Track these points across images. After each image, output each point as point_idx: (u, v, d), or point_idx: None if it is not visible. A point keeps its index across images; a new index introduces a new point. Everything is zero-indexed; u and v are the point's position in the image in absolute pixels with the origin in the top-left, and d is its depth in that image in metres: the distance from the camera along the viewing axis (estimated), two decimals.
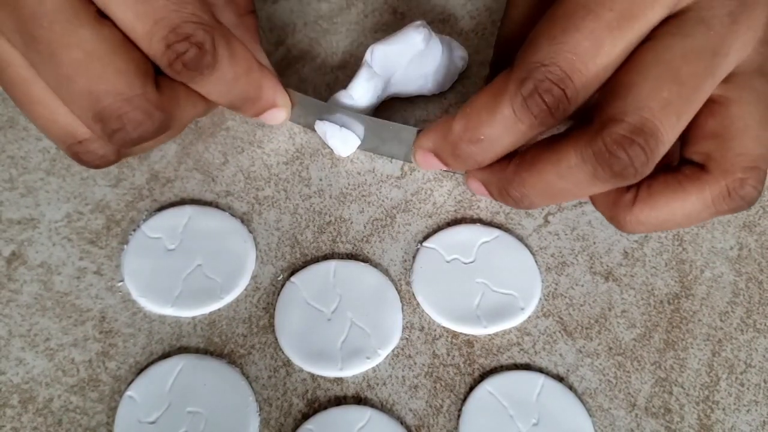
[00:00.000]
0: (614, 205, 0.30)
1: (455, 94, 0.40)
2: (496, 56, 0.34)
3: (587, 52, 0.26)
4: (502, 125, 0.28)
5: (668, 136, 0.26)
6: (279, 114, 0.33)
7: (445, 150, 0.31)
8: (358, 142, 0.37)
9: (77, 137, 0.28)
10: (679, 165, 0.29)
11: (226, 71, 0.28)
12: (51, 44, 0.25)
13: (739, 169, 0.28)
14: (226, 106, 0.31)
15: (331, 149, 0.37)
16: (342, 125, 0.36)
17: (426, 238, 0.35)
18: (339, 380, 0.32)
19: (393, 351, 0.33)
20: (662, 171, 0.29)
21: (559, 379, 0.32)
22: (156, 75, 0.27)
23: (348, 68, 0.40)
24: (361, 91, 0.36)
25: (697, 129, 0.28)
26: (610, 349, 0.33)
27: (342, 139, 0.36)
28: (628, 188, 0.29)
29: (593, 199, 0.31)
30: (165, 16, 0.26)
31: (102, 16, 0.26)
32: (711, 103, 0.28)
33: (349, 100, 0.36)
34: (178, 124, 0.30)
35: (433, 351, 0.33)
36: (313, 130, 0.37)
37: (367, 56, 0.36)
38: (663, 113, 0.26)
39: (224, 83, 0.28)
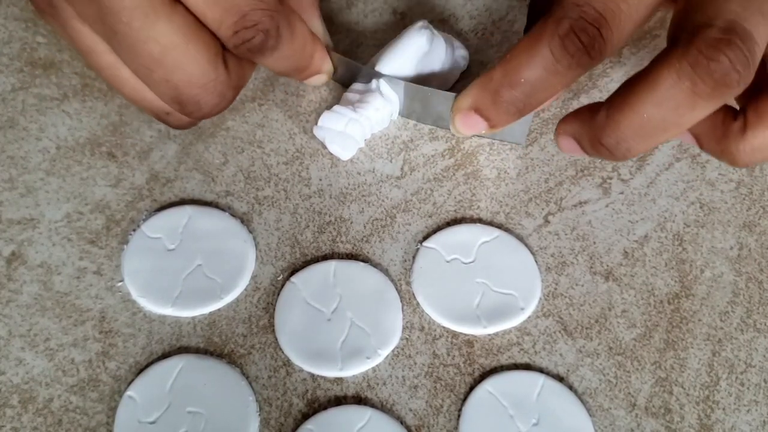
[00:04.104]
0: (723, 137, 0.28)
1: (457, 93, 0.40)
2: (531, 9, 0.34)
3: None
4: (541, 66, 0.28)
5: (759, 36, 0.25)
6: (321, 79, 0.35)
7: (485, 100, 0.30)
8: (359, 146, 0.37)
9: (165, 110, 0.32)
10: None
11: (285, 50, 0.30)
12: (130, 39, 0.28)
13: None
14: (278, 73, 0.34)
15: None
16: (381, 88, 0.36)
17: (426, 238, 0.35)
18: (339, 380, 0.32)
19: (393, 351, 0.33)
20: (765, 90, 0.28)
21: (559, 379, 0.32)
22: (223, 49, 0.30)
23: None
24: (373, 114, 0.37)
25: None
26: (610, 348, 0.33)
27: (342, 144, 0.36)
28: (735, 117, 0.28)
29: (699, 138, 0.30)
30: (234, 4, 0.27)
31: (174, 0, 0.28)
32: None
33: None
34: (242, 89, 0.33)
35: (433, 351, 0.33)
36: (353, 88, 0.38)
37: (373, 85, 0.36)
38: (747, 12, 0.24)
39: (283, 59, 0.31)
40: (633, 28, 0.27)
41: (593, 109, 0.28)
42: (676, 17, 0.27)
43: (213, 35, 0.29)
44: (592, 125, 0.28)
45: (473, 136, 0.34)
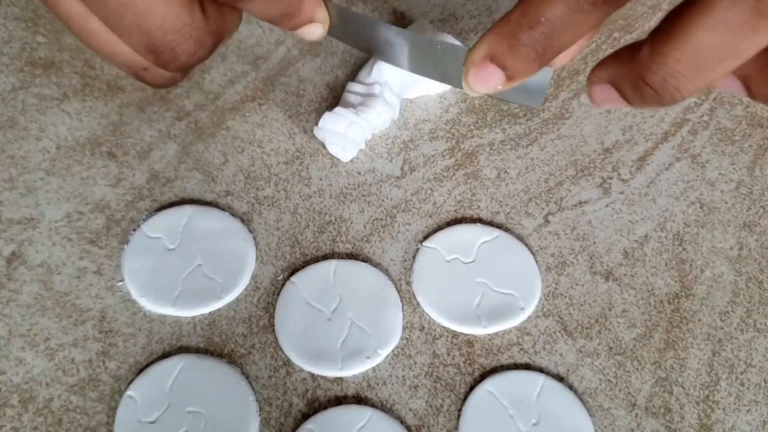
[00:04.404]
0: None
1: (455, 93, 0.40)
2: None
3: None
4: (563, 4, 0.25)
5: None
6: (316, 29, 0.32)
7: (501, 45, 0.27)
8: (359, 147, 0.37)
9: (141, 64, 0.29)
10: None
11: None
12: None
13: None
14: (265, 20, 0.31)
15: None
16: (387, 43, 0.35)
17: (426, 237, 0.35)
18: (339, 380, 0.32)
19: (393, 351, 0.33)
20: None
21: (559, 378, 0.32)
22: None
23: (347, 68, 0.40)
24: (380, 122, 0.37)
25: None
26: (610, 348, 0.33)
27: (342, 146, 0.36)
28: None
29: (749, 81, 0.26)
30: None
31: None
32: None
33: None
34: (226, 39, 0.30)
35: (433, 351, 0.33)
36: (357, 49, 0.37)
37: (376, 90, 0.36)
38: None
39: (267, 3, 0.28)
40: None
41: (633, 48, 0.25)
42: None
43: None
44: (633, 65, 0.25)
45: (487, 96, 0.31)
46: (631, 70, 0.25)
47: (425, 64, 0.34)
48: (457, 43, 0.39)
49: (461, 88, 0.30)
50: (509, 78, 0.28)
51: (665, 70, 0.24)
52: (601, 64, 0.27)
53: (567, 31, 0.26)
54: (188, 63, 0.28)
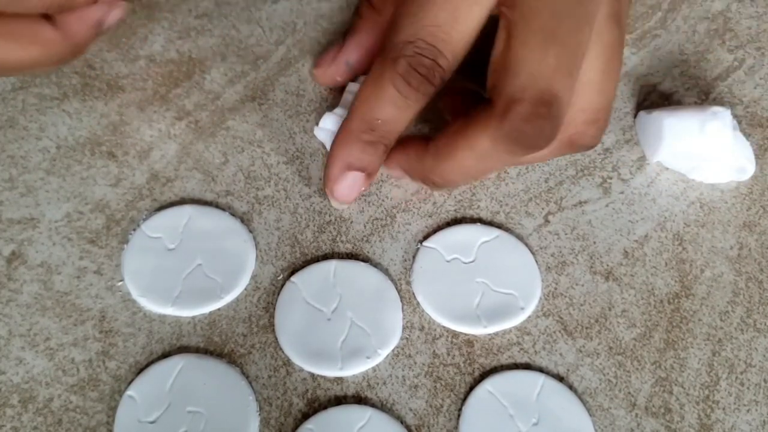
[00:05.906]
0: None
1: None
2: None
3: (446, 22, 0.28)
4: (392, 105, 0.30)
5: (566, 95, 0.28)
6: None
7: (353, 151, 0.32)
8: None
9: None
10: None
11: None
12: None
13: (581, 122, 0.30)
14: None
15: None
16: None
17: (426, 237, 0.35)
18: (339, 380, 0.32)
19: (393, 351, 0.33)
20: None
21: (559, 378, 0.32)
22: None
23: None
24: None
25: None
26: (610, 348, 0.33)
27: None
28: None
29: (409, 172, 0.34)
30: None
31: None
32: None
33: None
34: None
35: (433, 351, 0.33)
36: None
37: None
38: (555, 77, 0.28)
39: None
40: (466, 47, 0.29)
41: (419, 147, 0.32)
42: (495, 70, 0.29)
43: None
44: (420, 166, 0.32)
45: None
46: (421, 171, 0.33)
47: None
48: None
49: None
50: (369, 174, 0.32)
51: (443, 177, 0.32)
52: (397, 155, 0.33)
53: (399, 122, 0.31)
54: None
